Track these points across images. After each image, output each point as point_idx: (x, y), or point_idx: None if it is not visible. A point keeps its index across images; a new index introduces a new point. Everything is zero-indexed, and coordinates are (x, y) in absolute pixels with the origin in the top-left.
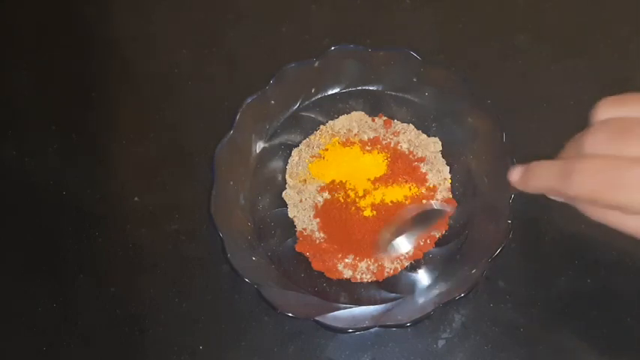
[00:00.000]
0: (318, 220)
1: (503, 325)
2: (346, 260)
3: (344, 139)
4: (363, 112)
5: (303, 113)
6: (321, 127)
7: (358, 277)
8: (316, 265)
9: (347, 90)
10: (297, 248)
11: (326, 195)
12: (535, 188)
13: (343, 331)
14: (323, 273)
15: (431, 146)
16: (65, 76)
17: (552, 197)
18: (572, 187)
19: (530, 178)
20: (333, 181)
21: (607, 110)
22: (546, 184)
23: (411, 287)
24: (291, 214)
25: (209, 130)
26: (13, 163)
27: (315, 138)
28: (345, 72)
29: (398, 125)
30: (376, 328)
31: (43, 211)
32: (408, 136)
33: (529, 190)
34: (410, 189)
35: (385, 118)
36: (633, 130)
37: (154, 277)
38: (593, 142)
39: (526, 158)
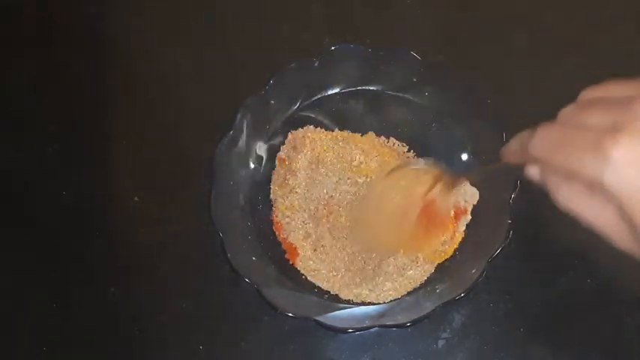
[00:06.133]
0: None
1: (503, 325)
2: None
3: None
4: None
5: (303, 113)
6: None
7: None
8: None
9: (347, 90)
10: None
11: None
12: (510, 154)
13: (343, 331)
14: None
15: None
16: (65, 76)
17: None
18: (532, 146)
19: (509, 144)
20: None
21: (588, 94)
22: (514, 152)
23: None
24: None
25: (209, 130)
26: (13, 163)
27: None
28: (345, 72)
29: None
30: (376, 328)
31: (43, 211)
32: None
33: (509, 159)
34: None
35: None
36: (600, 102)
37: (153, 277)
38: (563, 113)
39: None
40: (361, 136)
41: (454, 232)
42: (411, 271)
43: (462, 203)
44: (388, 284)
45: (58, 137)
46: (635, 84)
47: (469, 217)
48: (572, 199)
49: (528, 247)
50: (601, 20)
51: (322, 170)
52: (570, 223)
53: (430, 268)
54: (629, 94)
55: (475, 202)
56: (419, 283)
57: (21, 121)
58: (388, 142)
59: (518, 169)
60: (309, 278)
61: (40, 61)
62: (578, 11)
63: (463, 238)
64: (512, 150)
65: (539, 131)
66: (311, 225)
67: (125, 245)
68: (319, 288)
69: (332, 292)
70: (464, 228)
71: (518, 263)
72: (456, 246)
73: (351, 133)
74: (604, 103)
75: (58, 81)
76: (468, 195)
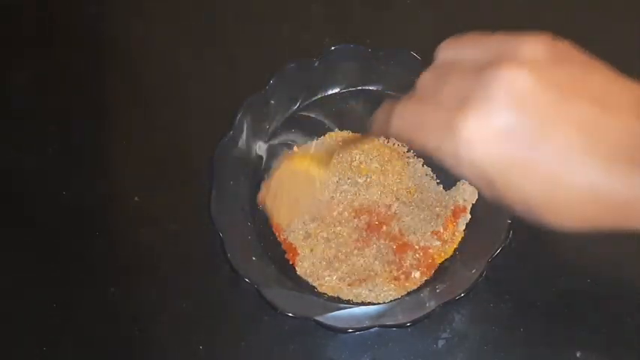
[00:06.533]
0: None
1: (503, 325)
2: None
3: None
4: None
5: (303, 113)
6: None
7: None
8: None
9: (347, 90)
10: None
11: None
12: (379, 129)
13: (343, 331)
14: None
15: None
16: (65, 76)
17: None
18: (392, 126)
19: (374, 118)
20: None
21: (445, 52)
22: (379, 124)
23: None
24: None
25: (209, 130)
26: (13, 163)
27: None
28: (345, 72)
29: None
30: (376, 328)
31: (43, 211)
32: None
33: (378, 133)
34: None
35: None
36: (455, 74)
37: (153, 277)
38: (421, 82)
39: None
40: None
41: (454, 231)
42: (412, 272)
43: (461, 202)
44: (388, 284)
45: (58, 137)
46: (488, 42)
47: (468, 216)
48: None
49: (528, 247)
50: (601, 20)
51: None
52: None
53: (431, 269)
54: (481, 58)
55: (474, 201)
56: (419, 283)
57: (21, 121)
58: (388, 142)
59: None
60: (308, 279)
61: (40, 61)
62: (578, 11)
63: (463, 238)
64: (378, 124)
65: (398, 109)
66: (311, 226)
67: (125, 245)
68: (319, 288)
69: (331, 293)
70: (463, 227)
71: (518, 263)
72: (455, 245)
73: (351, 133)
74: (458, 71)
75: (58, 81)
76: (467, 194)
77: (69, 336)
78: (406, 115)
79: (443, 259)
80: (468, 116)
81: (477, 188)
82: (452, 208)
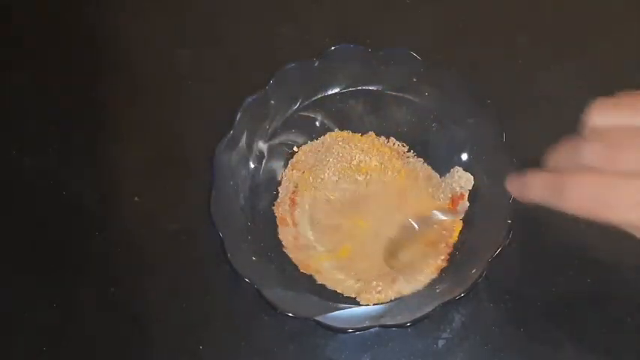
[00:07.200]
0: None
1: (503, 325)
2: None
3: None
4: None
5: (303, 113)
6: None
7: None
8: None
9: (347, 90)
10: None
11: None
12: (531, 199)
13: (343, 331)
14: None
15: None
16: (65, 76)
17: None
18: (565, 202)
19: (526, 189)
20: None
21: (600, 115)
22: (540, 197)
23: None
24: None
25: (209, 130)
26: (13, 163)
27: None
28: (345, 72)
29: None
30: (376, 328)
31: (43, 211)
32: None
33: (528, 201)
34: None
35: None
36: (629, 142)
37: (153, 277)
38: (588, 153)
39: (526, 158)
40: (361, 136)
41: (453, 219)
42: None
43: (458, 189)
44: (389, 284)
45: (58, 137)
46: None
47: (467, 203)
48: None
49: (528, 247)
50: (601, 20)
51: None
52: (570, 223)
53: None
54: None
55: (470, 188)
56: (423, 284)
57: (21, 121)
58: (388, 142)
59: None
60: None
61: (40, 61)
62: (578, 11)
63: (463, 239)
64: (534, 196)
65: (575, 184)
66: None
67: (125, 245)
68: (319, 288)
69: (331, 289)
70: (462, 215)
71: (518, 263)
72: (456, 234)
73: (351, 133)
74: (632, 142)
75: (58, 81)
76: (463, 181)
77: (69, 336)
78: (584, 190)
79: (446, 254)
80: None
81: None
82: (450, 196)
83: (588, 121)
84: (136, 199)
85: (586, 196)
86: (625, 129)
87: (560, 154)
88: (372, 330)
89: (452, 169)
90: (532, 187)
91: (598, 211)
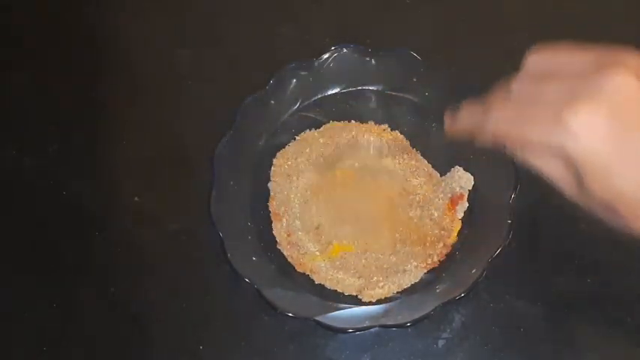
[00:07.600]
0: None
1: (503, 325)
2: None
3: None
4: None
5: (303, 113)
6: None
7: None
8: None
9: (347, 90)
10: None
11: None
12: (463, 129)
13: (343, 331)
14: None
15: None
16: (65, 76)
17: (481, 143)
18: (488, 122)
19: (459, 118)
20: None
21: (537, 60)
22: (470, 122)
23: (411, 287)
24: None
25: (209, 130)
26: (13, 163)
27: None
28: (345, 72)
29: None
30: (376, 328)
31: (43, 211)
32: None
33: (459, 132)
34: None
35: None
36: (554, 76)
37: (153, 277)
38: (516, 86)
39: None
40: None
41: (452, 220)
42: (410, 270)
43: (458, 189)
44: (388, 283)
45: (58, 137)
46: (587, 53)
47: (466, 203)
48: (530, 157)
49: (528, 247)
50: (601, 20)
51: None
52: (570, 223)
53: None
54: (583, 66)
55: (470, 188)
56: (417, 279)
57: (21, 121)
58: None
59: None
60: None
61: (40, 61)
62: (578, 11)
63: (462, 239)
64: (462, 124)
65: (496, 108)
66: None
67: (125, 245)
68: (319, 288)
69: (331, 288)
70: (462, 215)
71: (518, 263)
72: (455, 234)
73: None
74: (558, 78)
75: (58, 81)
76: (463, 181)
77: (69, 336)
78: (508, 111)
79: (444, 255)
80: (578, 111)
81: (558, 182)
82: (449, 195)
83: (525, 63)
84: (136, 199)
85: (505, 114)
86: (556, 69)
87: (494, 93)
88: (372, 330)
89: (452, 169)
90: (462, 118)
91: (512, 129)
